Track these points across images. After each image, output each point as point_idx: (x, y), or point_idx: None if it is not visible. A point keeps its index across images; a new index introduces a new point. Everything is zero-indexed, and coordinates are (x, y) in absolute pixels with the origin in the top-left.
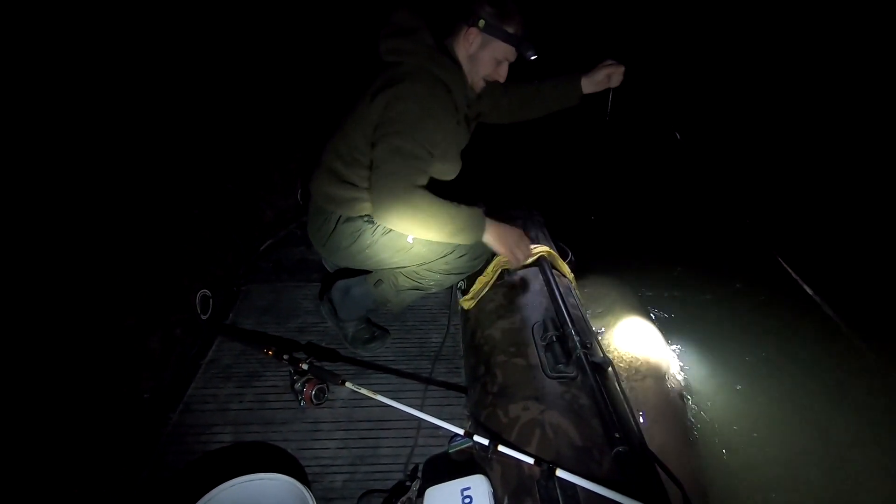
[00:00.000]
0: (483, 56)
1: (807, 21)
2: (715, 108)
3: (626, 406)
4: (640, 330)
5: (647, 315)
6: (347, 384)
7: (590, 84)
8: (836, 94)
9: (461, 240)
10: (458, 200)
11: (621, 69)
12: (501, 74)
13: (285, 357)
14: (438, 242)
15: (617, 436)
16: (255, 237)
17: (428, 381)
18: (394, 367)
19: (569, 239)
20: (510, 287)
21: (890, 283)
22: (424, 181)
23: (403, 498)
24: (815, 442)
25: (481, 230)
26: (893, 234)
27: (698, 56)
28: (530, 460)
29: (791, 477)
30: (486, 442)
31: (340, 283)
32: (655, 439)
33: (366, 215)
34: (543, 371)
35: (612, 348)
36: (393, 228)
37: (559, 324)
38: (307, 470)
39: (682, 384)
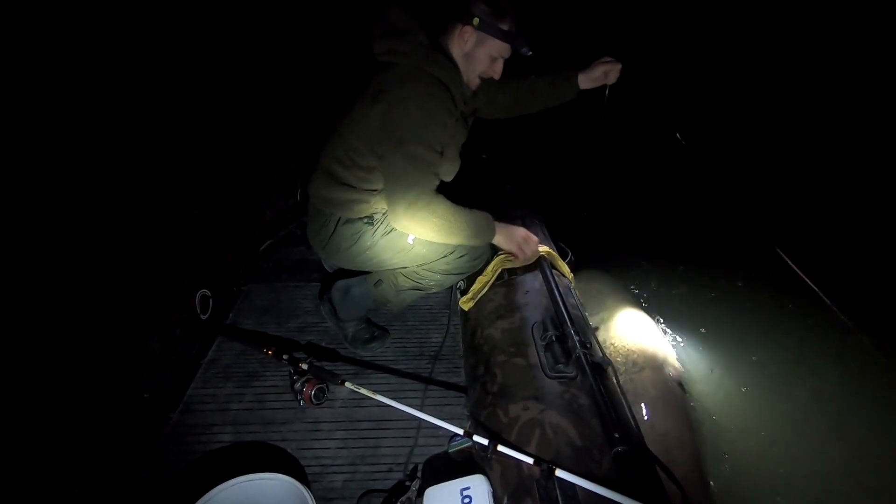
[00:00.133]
0: (478, 54)
1: (807, 17)
2: (713, 105)
3: (625, 406)
4: (635, 322)
5: (640, 307)
6: (347, 384)
7: (586, 80)
8: (836, 88)
9: (477, 242)
10: (461, 203)
11: (618, 66)
12: (497, 71)
13: (285, 357)
14: (439, 243)
15: (616, 436)
16: (255, 237)
17: (428, 380)
18: (394, 366)
19: (564, 235)
20: (510, 287)
21: (893, 279)
22: (438, 183)
23: (403, 498)
24: (826, 437)
25: (493, 232)
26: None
27: (697, 52)
28: (530, 460)
29: (799, 472)
30: (485, 442)
31: (340, 283)
32: (657, 428)
33: (365, 217)
34: (543, 371)
35: (608, 343)
36: (416, 236)
37: (559, 324)
38: (307, 470)
39: (681, 372)
